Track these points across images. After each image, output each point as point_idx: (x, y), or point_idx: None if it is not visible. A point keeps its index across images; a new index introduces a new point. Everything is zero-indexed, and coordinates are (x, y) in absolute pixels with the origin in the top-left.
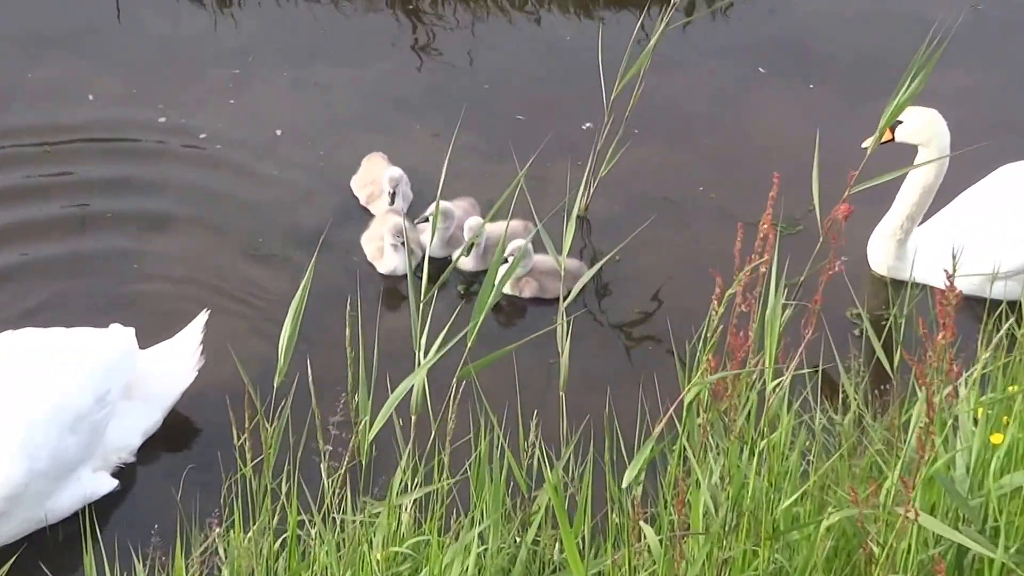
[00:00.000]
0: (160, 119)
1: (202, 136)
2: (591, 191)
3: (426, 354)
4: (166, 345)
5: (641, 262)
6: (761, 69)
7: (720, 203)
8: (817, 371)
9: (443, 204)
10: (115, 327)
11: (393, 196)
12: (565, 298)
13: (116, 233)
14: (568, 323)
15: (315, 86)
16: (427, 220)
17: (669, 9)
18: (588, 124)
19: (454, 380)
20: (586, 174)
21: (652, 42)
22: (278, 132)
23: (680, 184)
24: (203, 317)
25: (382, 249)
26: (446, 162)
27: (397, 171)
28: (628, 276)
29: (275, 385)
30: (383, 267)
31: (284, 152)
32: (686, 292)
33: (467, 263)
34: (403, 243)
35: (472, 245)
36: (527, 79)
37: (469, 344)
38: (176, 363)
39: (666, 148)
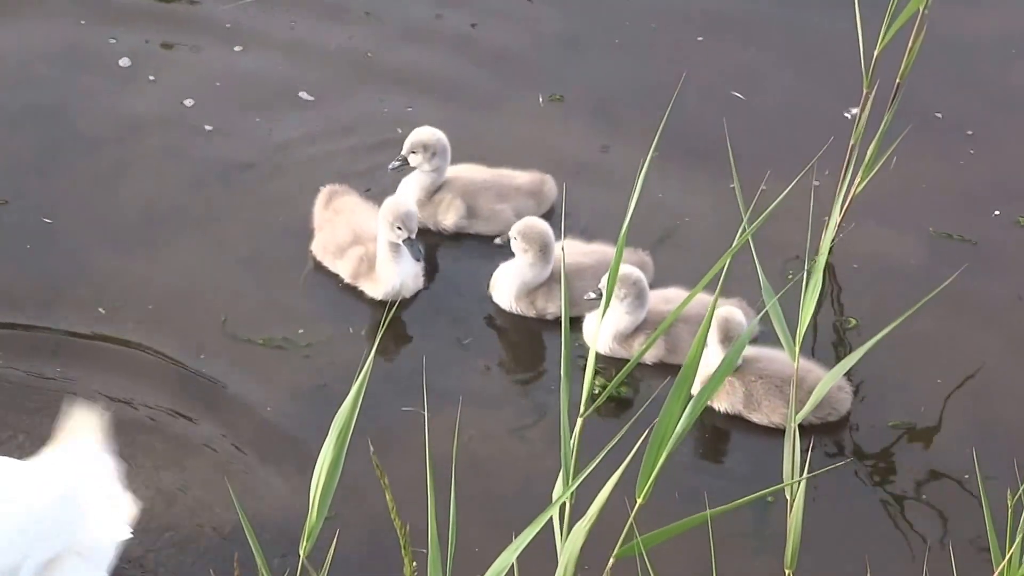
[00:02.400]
0: (120, 62)
1: (187, 103)
2: (839, 218)
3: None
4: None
5: (925, 346)
6: None
7: None
8: None
9: (402, 205)
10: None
11: (415, 243)
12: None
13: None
14: (803, 459)
15: (368, 18)
16: (503, 243)
17: None
18: (856, 111)
19: (612, 559)
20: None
21: None
22: (304, 95)
23: (985, 208)
24: (94, 414)
25: (371, 258)
26: (641, 175)
27: (403, 206)
28: (901, 372)
29: (301, 553)
30: (380, 288)
31: (319, 129)
32: (1010, 405)
33: (606, 341)
34: (412, 240)
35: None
36: (751, 23)
37: (639, 501)
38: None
39: (966, 146)
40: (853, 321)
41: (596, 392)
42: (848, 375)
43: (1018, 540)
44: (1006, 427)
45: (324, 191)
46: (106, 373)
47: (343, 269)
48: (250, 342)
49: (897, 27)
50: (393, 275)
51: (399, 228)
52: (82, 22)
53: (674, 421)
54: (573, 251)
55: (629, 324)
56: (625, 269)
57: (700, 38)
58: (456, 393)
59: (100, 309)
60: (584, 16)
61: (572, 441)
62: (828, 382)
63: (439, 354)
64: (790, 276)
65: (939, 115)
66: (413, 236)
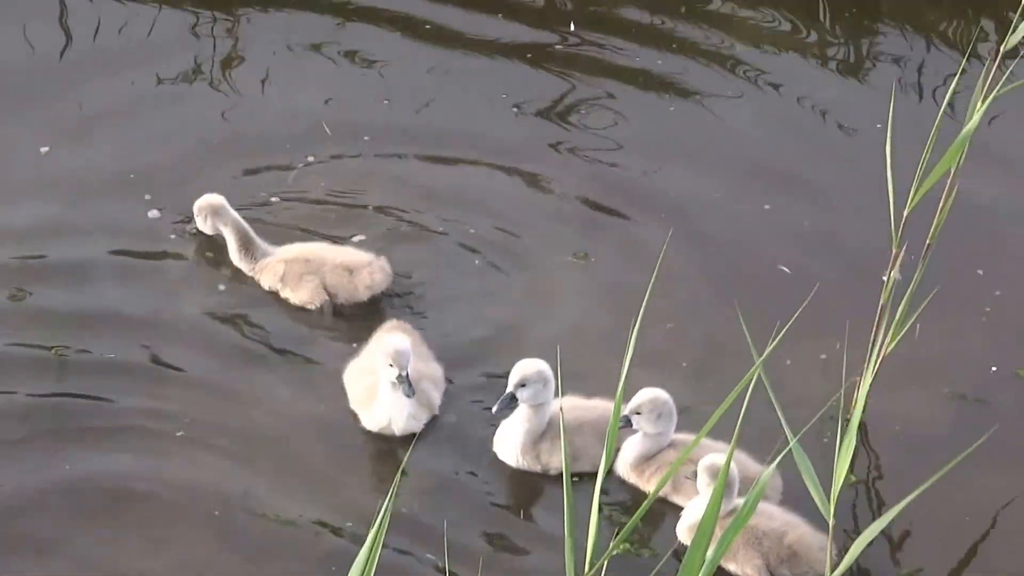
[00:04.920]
0: (149, 214)
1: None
2: (867, 379)
3: None
4: None
5: (961, 510)
6: None
7: None
8: None
9: (396, 343)
10: None
11: (405, 380)
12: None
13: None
14: None
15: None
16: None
17: (997, 56)
18: (899, 277)
19: None
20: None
21: (972, 122)
22: (357, 238)
23: (998, 368)
24: None
25: (375, 389)
26: (632, 338)
27: (395, 344)
28: (905, 521)
29: None
30: (373, 419)
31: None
32: (1018, 553)
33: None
34: (404, 377)
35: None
36: (815, 191)
37: None
38: None
39: (990, 307)
40: (852, 478)
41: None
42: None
43: None
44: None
45: (387, 323)
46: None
47: (352, 394)
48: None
49: (925, 189)
50: (384, 410)
51: (391, 365)
52: (131, 176)
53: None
54: (575, 407)
55: (651, 447)
56: (652, 392)
57: (767, 206)
58: (478, 544)
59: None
60: (651, 178)
61: None
62: (862, 543)
63: (462, 501)
64: (825, 440)
65: (980, 272)
66: (404, 373)
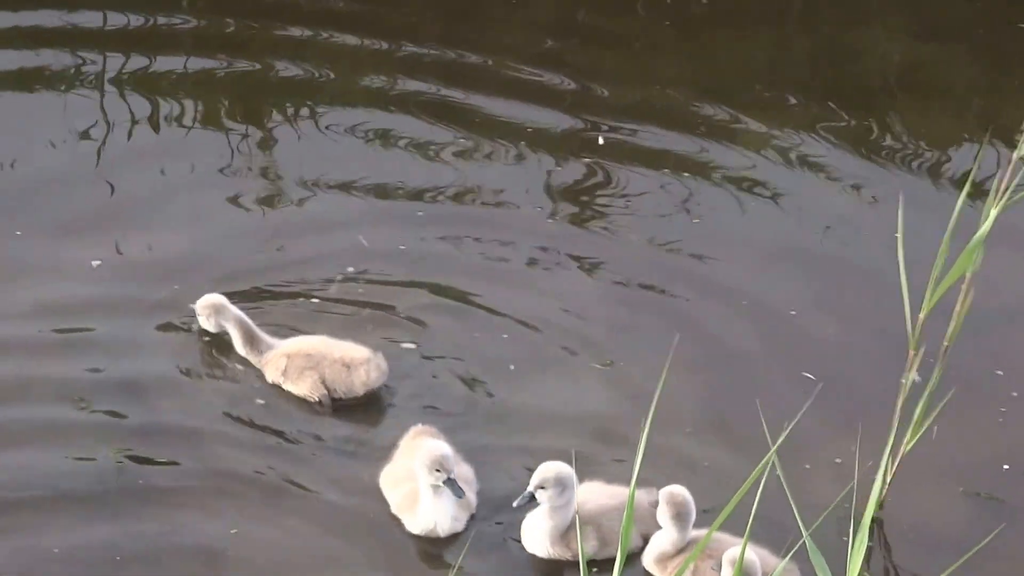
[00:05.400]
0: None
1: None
2: (889, 477)
3: None
4: None
5: None
6: None
7: None
8: None
9: (439, 449)
10: None
11: (453, 483)
12: None
13: None
14: None
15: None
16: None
17: (1011, 162)
18: (918, 378)
19: None
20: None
21: (985, 226)
22: (405, 345)
23: (1014, 468)
24: None
25: (415, 494)
26: (648, 421)
27: (439, 450)
28: None
29: None
30: (417, 523)
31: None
32: None
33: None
34: (452, 480)
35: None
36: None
37: None
38: None
39: (1007, 407)
40: (867, 575)
41: None
42: None
43: None
44: None
45: (413, 429)
46: None
47: (392, 500)
48: None
49: (939, 294)
50: (429, 514)
51: (438, 471)
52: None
53: None
54: (598, 493)
55: (672, 543)
56: (675, 489)
57: (792, 312)
58: None
59: None
60: (677, 282)
61: None
62: None
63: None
64: (845, 539)
65: (999, 372)
66: (452, 476)
